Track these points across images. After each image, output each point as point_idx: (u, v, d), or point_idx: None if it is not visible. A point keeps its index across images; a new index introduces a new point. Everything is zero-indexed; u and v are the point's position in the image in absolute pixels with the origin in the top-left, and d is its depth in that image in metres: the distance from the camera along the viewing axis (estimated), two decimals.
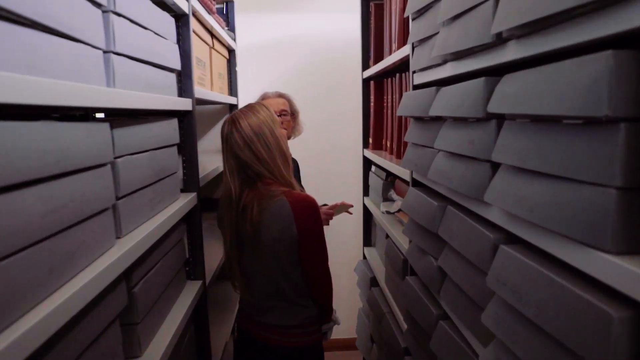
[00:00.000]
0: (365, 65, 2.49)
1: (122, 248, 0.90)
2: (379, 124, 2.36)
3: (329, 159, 2.95)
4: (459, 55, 1.03)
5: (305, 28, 2.84)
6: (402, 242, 1.70)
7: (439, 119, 1.17)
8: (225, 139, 1.46)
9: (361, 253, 2.71)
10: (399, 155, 1.97)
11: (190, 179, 1.49)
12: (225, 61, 2.37)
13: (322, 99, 2.91)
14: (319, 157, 2.94)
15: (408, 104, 1.37)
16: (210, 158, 2.16)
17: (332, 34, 2.84)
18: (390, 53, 2.06)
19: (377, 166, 2.31)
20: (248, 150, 1.43)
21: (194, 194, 1.48)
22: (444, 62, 1.12)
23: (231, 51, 2.49)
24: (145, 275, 1.09)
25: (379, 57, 2.28)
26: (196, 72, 1.63)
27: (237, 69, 2.49)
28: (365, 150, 2.51)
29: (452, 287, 1.09)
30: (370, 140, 2.44)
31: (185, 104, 1.41)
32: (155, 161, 1.16)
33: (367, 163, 2.56)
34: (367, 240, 2.65)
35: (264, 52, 2.86)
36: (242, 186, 1.46)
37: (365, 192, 2.58)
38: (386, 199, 2.09)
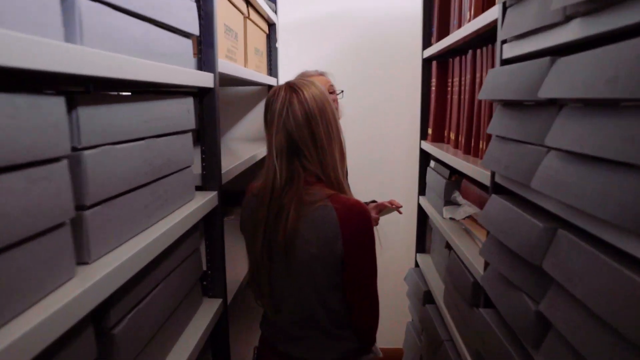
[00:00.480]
0: (427, 43, 2.12)
1: (87, 280, 0.62)
2: (441, 112, 2.00)
3: (379, 150, 2.60)
4: (596, 6, 0.68)
5: (356, 1, 2.49)
6: (471, 258, 1.36)
7: (550, 104, 0.82)
8: (279, 110, 1.13)
9: (413, 259, 2.36)
10: (468, 151, 1.61)
11: (210, 174, 1.20)
12: (264, 36, 2.07)
13: (373, 81, 2.56)
14: (367, 148, 2.60)
15: (497, 83, 1.02)
16: (240, 149, 1.86)
17: (388, 8, 2.48)
18: (459, 26, 1.69)
19: (438, 161, 1.96)
20: (307, 130, 1.12)
21: (214, 193, 1.19)
22: (566, 19, 0.77)
23: (271, 25, 2.18)
24: (134, 308, 0.81)
25: (443, 33, 1.92)
26: (224, 42, 1.33)
27: (277, 45, 2.18)
28: (423, 142, 2.15)
29: (564, 347, 0.75)
30: (430, 131, 2.09)
31: (204, 79, 1.11)
32: (156, 153, 0.87)
33: (425, 157, 2.20)
34: (421, 246, 2.31)
35: (308, 29, 2.54)
36: (287, 178, 1.15)
37: (421, 190, 2.23)
38: (449, 201, 1.73)
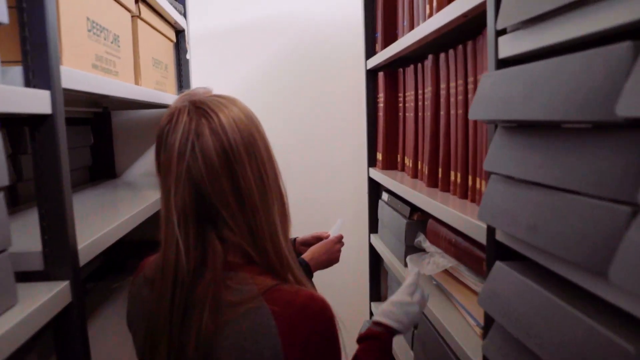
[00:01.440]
0: (370, 52, 1.78)
1: None
2: (392, 134, 1.65)
3: (318, 182, 2.22)
4: None
5: (288, 5, 2.12)
6: (450, 329, 1.00)
7: (632, 127, 0.46)
8: (180, 147, 0.71)
9: (367, 309, 1.98)
10: (434, 182, 1.26)
11: (54, 254, 0.75)
12: (169, 45, 1.64)
13: (309, 99, 2.19)
14: (304, 179, 2.21)
15: (504, 95, 0.65)
16: (132, 199, 1.39)
17: (324, 12, 2.12)
18: (411, 27, 1.35)
19: (393, 194, 1.60)
20: (227, 178, 0.71)
21: (64, 284, 0.74)
22: None
23: (180, 32, 1.76)
24: None
25: (390, 38, 1.58)
26: (87, 45, 0.90)
27: (188, 57, 1.75)
28: (371, 169, 1.79)
29: None
30: (379, 156, 1.73)
31: (29, 101, 0.67)
32: None
33: (375, 187, 1.85)
34: (376, 293, 1.93)
35: (229, 38, 2.14)
36: (198, 258, 0.72)
37: (373, 227, 1.87)
38: (412, 247, 1.37)
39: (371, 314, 1.92)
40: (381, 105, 1.68)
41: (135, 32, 1.25)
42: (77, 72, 0.80)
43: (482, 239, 0.83)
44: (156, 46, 1.45)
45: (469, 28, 1.01)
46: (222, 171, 0.70)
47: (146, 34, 1.34)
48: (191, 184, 0.70)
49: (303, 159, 2.21)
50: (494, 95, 0.66)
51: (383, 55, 1.56)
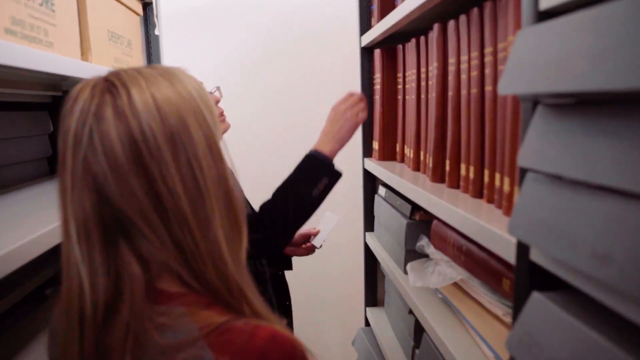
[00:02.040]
0: (365, 26, 1.57)
1: None
2: (390, 120, 1.45)
3: None
4: None
5: None
6: (457, 353, 0.81)
7: None
8: (75, 133, 0.52)
9: (362, 315, 1.79)
10: (440, 177, 1.06)
11: None
12: (134, 19, 1.43)
13: (296, 82, 1.98)
14: (288, 168, 2.00)
15: (560, 55, 0.44)
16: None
17: None
18: None
19: (391, 190, 1.40)
20: (138, 179, 0.52)
21: None
22: None
23: (148, 5, 1.54)
24: None
25: (388, 10, 1.37)
26: None
27: (157, 32, 1.54)
28: (366, 160, 1.59)
29: None
30: (375, 145, 1.53)
31: None
32: None
33: (371, 180, 1.65)
34: (372, 298, 1.74)
35: (208, 15, 1.92)
36: (109, 286, 0.52)
37: (368, 225, 1.67)
38: (413, 251, 1.18)
39: (367, 320, 1.73)
40: (378, 87, 1.47)
41: None
42: None
43: (507, 255, 0.63)
44: (114, 17, 1.24)
45: None
46: (129, 167, 0.51)
47: (98, 1, 1.12)
48: (92, 184, 0.51)
49: (289, 147, 2.00)
50: (538, 58, 0.46)
51: (380, 27, 1.35)
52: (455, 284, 1.02)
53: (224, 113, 1.31)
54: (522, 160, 0.51)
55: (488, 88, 0.81)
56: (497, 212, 0.78)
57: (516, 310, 0.59)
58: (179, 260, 0.53)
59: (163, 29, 1.59)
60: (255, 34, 1.96)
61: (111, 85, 0.53)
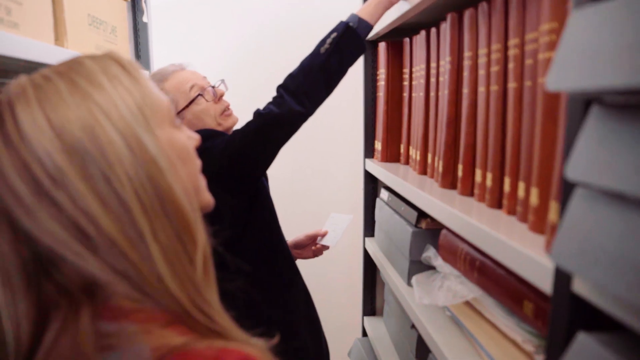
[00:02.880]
0: None
1: None
2: (394, 118, 1.35)
3: (303, 172, 1.91)
4: None
5: None
6: None
7: None
8: None
9: (359, 325, 1.69)
10: (451, 182, 0.96)
11: None
12: (121, 4, 1.32)
13: (293, 66, 1.88)
14: (287, 170, 1.91)
15: (633, 40, 0.35)
16: None
17: None
18: None
19: (395, 193, 1.30)
20: (48, 210, 0.43)
21: None
22: None
23: None
24: None
25: None
26: None
27: (146, 19, 1.43)
28: (368, 161, 1.49)
29: None
30: (378, 146, 1.43)
31: None
32: None
33: (372, 182, 1.55)
34: (370, 307, 1.64)
35: (204, 3, 1.82)
36: (41, 319, 0.46)
37: (368, 229, 1.57)
38: (418, 262, 1.08)
39: (364, 330, 1.64)
40: (382, 83, 1.37)
41: None
42: None
43: (538, 280, 0.53)
44: (96, 1, 1.13)
45: None
46: (35, 200, 0.43)
47: None
48: (5, 221, 0.45)
49: (287, 147, 1.90)
50: (601, 45, 0.36)
51: (385, 19, 1.25)
52: (466, 301, 0.92)
53: (230, 107, 1.23)
54: (572, 172, 0.41)
55: (512, 85, 0.71)
56: (520, 226, 0.68)
57: (552, 348, 0.49)
58: (122, 284, 0.46)
59: (152, 17, 1.49)
60: (251, 24, 1.86)
61: (0, 106, 0.46)
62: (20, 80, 0.48)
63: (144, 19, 1.41)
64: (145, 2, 1.40)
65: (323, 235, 1.38)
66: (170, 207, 0.48)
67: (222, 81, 1.25)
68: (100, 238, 0.44)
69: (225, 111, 1.22)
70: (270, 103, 1.10)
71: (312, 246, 1.39)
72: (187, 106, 1.18)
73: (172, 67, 1.23)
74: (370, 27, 1.13)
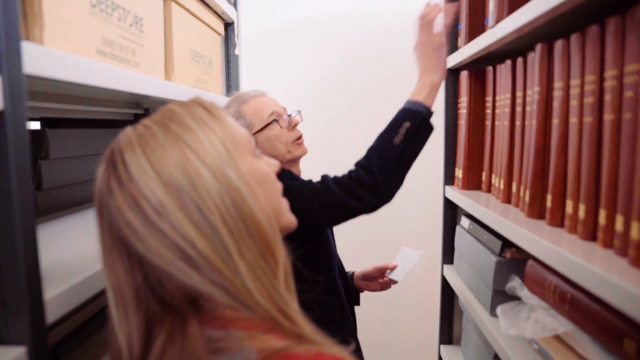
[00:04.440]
0: (452, 47, 1.49)
1: None
2: (476, 146, 1.35)
3: None
4: None
5: (346, 1, 1.87)
6: None
7: None
8: (99, 204, 0.56)
9: (435, 353, 1.67)
10: (538, 212, 0.95)
11: (9, 306, 0.53)
12: (216, 38, 1.44)
13: (374, 105, 1.92)
14: None
15: None
16: None
17: (394, 5, 1.85)
18: (500, 18, 1.05)
19: (475, 220, 1.30)
20: (157, 237, 0.52)
21: (19, 350, 0.52)
22: None
23: (229, 25, 1.55)
24: None
25: (476, 30, 1.29)
26: (85, 22, 0.70)
27: (237, 52, 1.54)
28: (448, 188, 1.49)
29: None
30: (459, 173, 1.43)
31: None
32: None
33: (452, 209, 1.54)
34: (447, 336, 1.62)
35: (288, 36, 1.92)
36: (148, 333, 0.53)
37: (447, 257, 1.56)
38: (502, 292, 1.07)
39: (440, 359, 1.61)
40: (463, 111, 1.38)
41: (169, 17, 1.04)
42: (57, 54, 0.58)
43: None
44: (197, 37, 1.24)
45: (605, 1, 0.71)
46: (145, 229, 0.52)
47: (183, 21, 1.13)
48: (122, 247, 0.53)
49: None
50: None
51: (469, 49, 1.27)
52: (556, 335, 0.90)
53: (302, 137, 1.27)
54: None
55: (609, 117, 0.70)
56: (619, 260, 0.67)
57: None
58: (221, 295, 0.52)
59: (243, 49, 1.59)
60: (333, 55, 1.94)
61: (112, 154, 0.55)
62: (127, 131, 0.57)
63: (236, 52, 1.52)
64: (237, 36, 1.51)
65: (392, 269, 1.38)
66: (253, 228, 0.54)
67: (299, 112, 1.30)
68: (198, 258, 0.51)
69: (297, 140, 1.25)
70: (339, 186, 1.07)
71: (380, 279, 1.39)
72: (261, 129, 1.22)
73: (254, 92, 1.28)
74: (432, 113, 1.12)
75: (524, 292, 0.98)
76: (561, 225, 0.87)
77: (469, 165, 1.36)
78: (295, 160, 1.26)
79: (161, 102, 1.09)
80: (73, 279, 0.61)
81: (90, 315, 0.93)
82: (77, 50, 0.67)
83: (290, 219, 0.65)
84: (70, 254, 0.78)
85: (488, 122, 1.28)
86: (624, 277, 0.58)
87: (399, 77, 1.93)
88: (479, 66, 1.33)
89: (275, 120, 1.23)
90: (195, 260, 0.51)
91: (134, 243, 0.52)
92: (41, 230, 0.98)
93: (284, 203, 0.65)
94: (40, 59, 0.55)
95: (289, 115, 1.26)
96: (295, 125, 1.27)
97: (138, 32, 0.87)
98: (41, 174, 1.13)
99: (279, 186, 0.64)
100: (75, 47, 0.66)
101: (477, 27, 1.31)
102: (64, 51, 0.63)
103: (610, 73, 0.70)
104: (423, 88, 1.12)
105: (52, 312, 0.55)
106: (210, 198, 0.52)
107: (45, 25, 0.58)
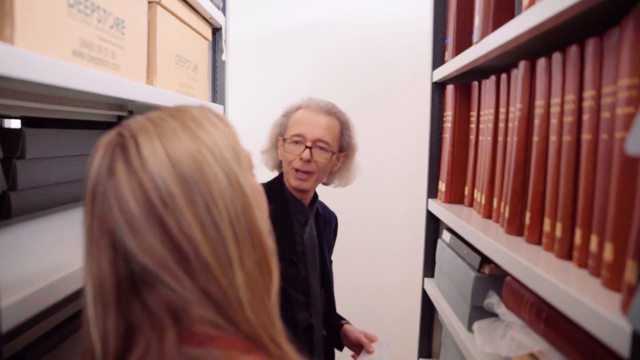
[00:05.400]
0: (438, 61, 1.49)
1: None
2: (460, 160, 1.35)
3: (365, 209, 1.93)
4: None
5: (340, 8, 1.87)
6: None
7: None
8: (91, 193, 0.51)
9: None
10: (517, 228, 0.95)
11: None
12: (203, 43, 1.43)
13: (361, 115, 1.92)
14: (350, 205, 1.93)
15: None
16: None
17: (383, 16, 1.86)
18: (486, 32, 1.05)
19: (457, 236, 1.29)
20: (156, 233, 0.49)
21: None
22: None
23: (217, 30, 1.54)
24: None
25: (463, 44, 1.30)
26: (61, 22, 0.69)
27: (224, 58, 1.53)
28: (431, 201, 1.49)
29: None
30: (442, 187, 1.43)
31: None
32: None
33: (434, 222, 1.54)
34: (426, 349, 1.61)
35: (276, 43, 1.92)
36: (126, 339, 0.51)
37: (428, 270, 1.56)
38: (480, 308, 1.06)
39: None
40: (448, 125, 1.38)
41: (153, 21, 1.03)
42: (27, 55, 0.57)
43: (612, 341, 0.52)
44: (183, 41, 1.23)
45: (587, 20, 0.71)
46: (145, 221, 0.49)
47: (168, 25, 1.12)
48: (110, 240, 0.50)
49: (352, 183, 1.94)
50: None
51: (454, 64, 1.27)
52: (530, 354, 0.89)
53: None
54: None
55: (586, 136, 0.71)
56: (593, 281, 0.66)
57: None
58: (209, 308, 0.50)
59: (230, 55, 1.59)
60: (322, 64, 1.93)
61: (121, 137, 0.52)
62: (139, 118, 0.55)
63: (223, 57, 1.51)
64: (225, 42, 1.50)
65: (367, 352, 1.28)
66: (256, 239, 0.53)
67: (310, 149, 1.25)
68: (197, 262, 0.49)
69: (298, 173, 1.23)
70: None
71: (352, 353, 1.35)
72: (285, 140, 1.26)
73: (307, 102, 1.29)
74: None
75: (501, 309, 0.98)
76: (539, 242, 0.87)
77: (452, 178, 1.36)
78: (290, 190, 1.28)
79: (146, 105, 1.08)
80: (34, 286, 0.59)
81: (61, 321, 0.91)
82: (52, 51, 0.65)
83: (270, 243, 0.62)
84: (39, 258, 0.76)
85: (472, 137, 1.28)
86: (596, 298, 0.58)
87: (386, 93, 1.93)
88: (465, 80, 1.34)
89: (297, 141, 1.25)
90: (192, 264, 0.49)
91: (126, 234, 0.49)
92: (15, 231, 0.96)
93: (269, 225, 0.63)
94: (10, 59, 0.54)
95: (308, 147, 1.25)
96: (307, 161, 1.24)
97: (119, 35, 0.86)
98: (16, 174, 1.11)
99: (267, 208, 0.63)
100: (49, 47, 0.65)
101: (464, 41, 1.32)
102: (37, 52, 0.61)
103: (588, 93, 0.70)
104: None
105: (9, 320, 0.53)
106: (223, 200, 0.50)
107: (17, 24, 0.57)
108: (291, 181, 1.25)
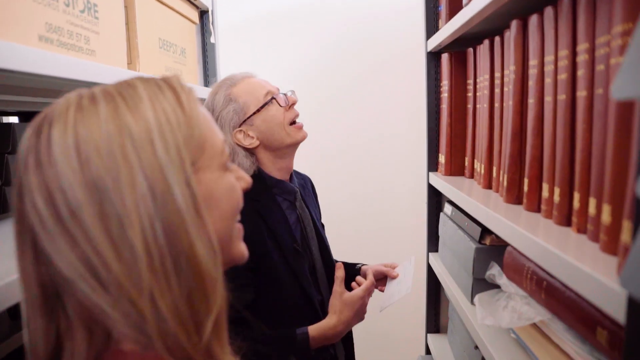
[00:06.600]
0: (432, 29, 1.44)
1: None
2: (459, 130, 1.31)
3: (365, 185, 1.90)
4: None
5: None
6: None
7: None
8: (16, 184, 0.45)
9: (423, 342, 1.64)
10: (516, 197, 0.92)
11: None
12: (190, 27, 1.40)
13: (357, 91, 1.88)
14: (351, 183, 1.91)
15: None
16: None
17: None
18: None
19: (459, 208, 1.26)
20: (66, 241, 0.42)
21: None
22: None
23: (204, 12, 1.51)
24: None
25: (456, 11, 1.25)
26: (21, 6, 0.66)
27: (213, 40, 1.49)
28: (432, 174, 1.46)
29: None
30: (442, 159, 1.40)
31: None
32: None
33: (436, 196, 1.51)
34: (433, 324, 1.59)
35: (268, 23, 1.88)
36: (51, 347, 0.46)
37: (432, 245, 1.53)
38: (482, 280, 1.04)
39: (427, 348, 1.59)
40: (445, 95, 1.34)
41: (131, 4, 1.00)
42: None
43: (610, 307, 0.49)
44: (166, 25, 1.20)
45: None
46: (54, 225, 0.42)
47: (149, 9, 1.08)
48: (29, 239, 0.44)
49: (351, 160, 1.91)
50: None
51: (447, 29, 1.22)
52: (533, 324, 0.87)
53: (298, 122, 1.19)
54: None
55: (581, 93, 0.67)
56: (592, 246, 0.63)
57: None
58: (128, 327, 0.43)
59: (220, 38, 1.55)
60: (314, 43, 1.89)
61: (42, 120, 0.44)
62: (71, 95, 0.46)
63: (212, 40, 1.48)
64: (212, 24, 1.47)
65: (394, 278, 1.26)
66: (185, 266, 0.43)
67: (293, 92, 1.21)
68: (110, 280, 0.41)
69: (296, 123, 1.18)
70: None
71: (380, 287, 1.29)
72: (257, 111, 1.13)
73: (242, 74, 1.19)
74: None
75: (502, 280, 0.95)
76: (538, 210, 0.84)
77: (452, 150, 1.32)
78: (295, 146, 1.18)
79: None
80: None
81: None
82: (15, 37, 0.63)
83: (240, 250, 0.54)
84: None
85: (470, 106, 1.24)
86: (594, 265, 0.55)
87: (381, 67, 1.89)
88: (460, 48, 1.29)
89: (272, 98, 1.15)
90: (105, 280, 0.41)
91: (42, 237, 0.42)
92: (11, 224, 0.95)
93: (239, 230, 0.54)
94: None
95: (285, 94, 1.18)
96: (293, 104, 1.19)
97: (92, 19, 0.83)
98: (9, 169, 1.10)
99: (239, 206, 0.53)
100: (11, 32, 0.62)
101: (456, 7, 1.26)
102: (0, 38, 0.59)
103: (582, 47, 0.66)
104: (328, 333, 1.07)
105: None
106: (138, 216, 0.41)
107: None
108: (299, 135, 1.17)
